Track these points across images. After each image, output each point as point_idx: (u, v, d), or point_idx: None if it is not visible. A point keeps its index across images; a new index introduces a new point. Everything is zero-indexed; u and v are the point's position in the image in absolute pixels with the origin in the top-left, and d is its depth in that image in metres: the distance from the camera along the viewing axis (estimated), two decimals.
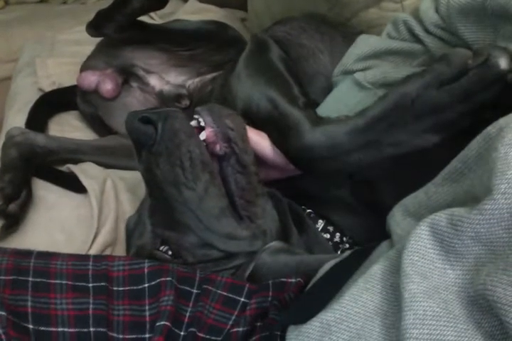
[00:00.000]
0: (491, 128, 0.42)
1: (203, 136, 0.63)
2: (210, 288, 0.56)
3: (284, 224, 0.67)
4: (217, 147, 0.63)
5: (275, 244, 0.64)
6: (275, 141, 0.66)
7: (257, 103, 0.70)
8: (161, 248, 0.64)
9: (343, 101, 0.72)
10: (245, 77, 0.76)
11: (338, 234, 0.70)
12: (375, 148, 0.60)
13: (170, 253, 0.64)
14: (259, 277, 0.61)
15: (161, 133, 0.61)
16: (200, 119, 0.64)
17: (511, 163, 0.38)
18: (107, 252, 0.78)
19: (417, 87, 0.56)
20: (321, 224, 0.71)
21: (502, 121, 0.42)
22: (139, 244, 0.66)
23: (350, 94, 0.71)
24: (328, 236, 0.70)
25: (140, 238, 0.66)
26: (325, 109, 0.72)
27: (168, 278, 0.55)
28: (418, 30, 0.68)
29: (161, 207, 0.64)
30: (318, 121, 0.64)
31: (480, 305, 0.38)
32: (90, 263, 0.56)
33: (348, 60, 0.74)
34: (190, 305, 0.55)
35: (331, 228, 0.71)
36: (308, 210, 0.72)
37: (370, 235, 0.54)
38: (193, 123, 0.64)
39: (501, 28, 0.57)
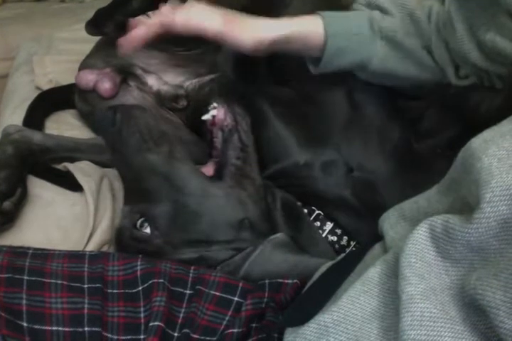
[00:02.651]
0: (474, 140, 0.44)
1: (213, 112, 0.72)
2: (202, 288, 0.56)
3: (271, 218, 0.69)
4: (225, 122, 0.72)
5: (280, 236, 0.65)
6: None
7: None
8: (138, 222, 0.67)
9: (351, 23, 0.72)
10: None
11: (345, 238, 0.71)
12: None
13: (148, 230, 0.66)
14: (256, 268, 0.61)
15: (120, 114, 0.70)
16: (215, 104, 0.73)
17: (495, 173, 0.39)
18: (104, 250, 0.77)
19: None
20: (329, 226, 0.72)
21: (486, 133, 0.43)
22: (119, 226, 0.69)
23: (359, 24, 0.72)
24: (335, 238, 0.71)
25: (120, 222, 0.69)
26: (334, 23, 0.72)
27: (160, 280, 0.55)
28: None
29: (131, 184, 0.69)
30: None
31: (475, 307, 0.38)
32: (86, 265, 0.56)
33: None
34: (184, 306, 0.56)
35: (338, 231, 0.71)
36: (318, 211, 0.72)
37: (378, 241, 0.54)
38: (211, 107, 0.73)
39: (499, 17, 0.59)
